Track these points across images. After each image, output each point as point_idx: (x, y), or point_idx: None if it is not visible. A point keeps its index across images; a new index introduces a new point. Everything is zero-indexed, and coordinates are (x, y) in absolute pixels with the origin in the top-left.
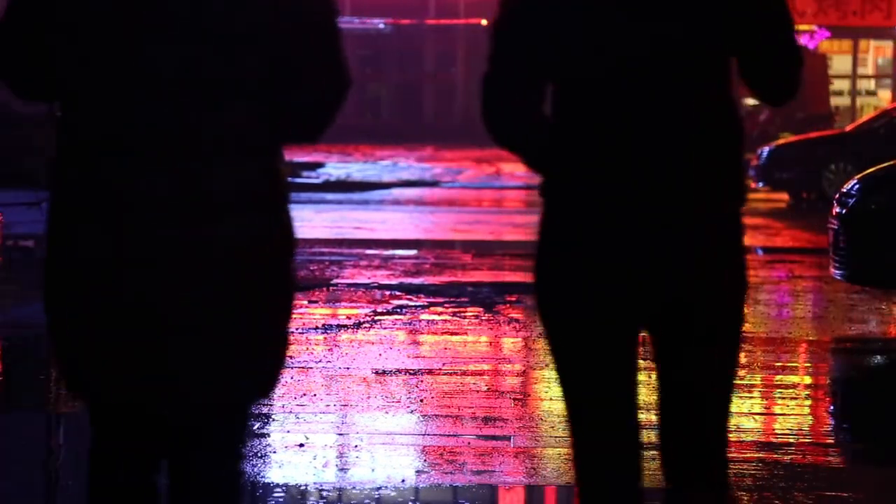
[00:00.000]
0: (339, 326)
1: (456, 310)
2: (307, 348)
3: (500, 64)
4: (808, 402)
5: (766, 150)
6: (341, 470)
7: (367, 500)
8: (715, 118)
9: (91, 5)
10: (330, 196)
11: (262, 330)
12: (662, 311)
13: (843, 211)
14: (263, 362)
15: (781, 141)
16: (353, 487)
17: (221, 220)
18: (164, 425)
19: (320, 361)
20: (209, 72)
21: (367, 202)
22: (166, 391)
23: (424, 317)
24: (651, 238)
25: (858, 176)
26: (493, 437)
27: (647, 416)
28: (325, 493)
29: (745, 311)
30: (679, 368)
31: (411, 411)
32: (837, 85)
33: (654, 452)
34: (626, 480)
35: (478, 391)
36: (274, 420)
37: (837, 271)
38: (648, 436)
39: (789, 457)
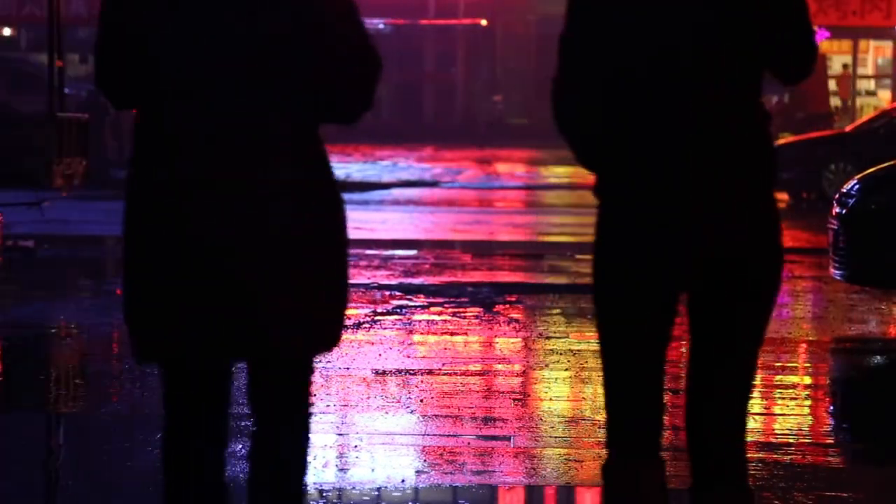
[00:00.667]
0: None
1: (456, 310)
2: None
3: (571, 68)
4: (808, 402)
5: None
6: (341, 470)
7: (367, 500)
8: (752, 109)
9: (170, 25)
10: None
11: (321, 292)
12: (709, 271)
13: (843, 211)
14: (326, 316)
15: (781, 141)
16: (353, 487)
17: (279, 201)
18: (227, 392)
19: (320, 361)
20: (265, 72)
21: (366, 202)
22: (235, 346)
23: (424, 317)
24: (704, 219)
25: (858, 176)
26: (493, 437)
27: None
28: (325, 493)
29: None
30: (719, 335)
31: (411, 411)
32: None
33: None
34: (652, 393)
35: (478, 391)
36: None
37: (837, 271)
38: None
39: (789, 457)
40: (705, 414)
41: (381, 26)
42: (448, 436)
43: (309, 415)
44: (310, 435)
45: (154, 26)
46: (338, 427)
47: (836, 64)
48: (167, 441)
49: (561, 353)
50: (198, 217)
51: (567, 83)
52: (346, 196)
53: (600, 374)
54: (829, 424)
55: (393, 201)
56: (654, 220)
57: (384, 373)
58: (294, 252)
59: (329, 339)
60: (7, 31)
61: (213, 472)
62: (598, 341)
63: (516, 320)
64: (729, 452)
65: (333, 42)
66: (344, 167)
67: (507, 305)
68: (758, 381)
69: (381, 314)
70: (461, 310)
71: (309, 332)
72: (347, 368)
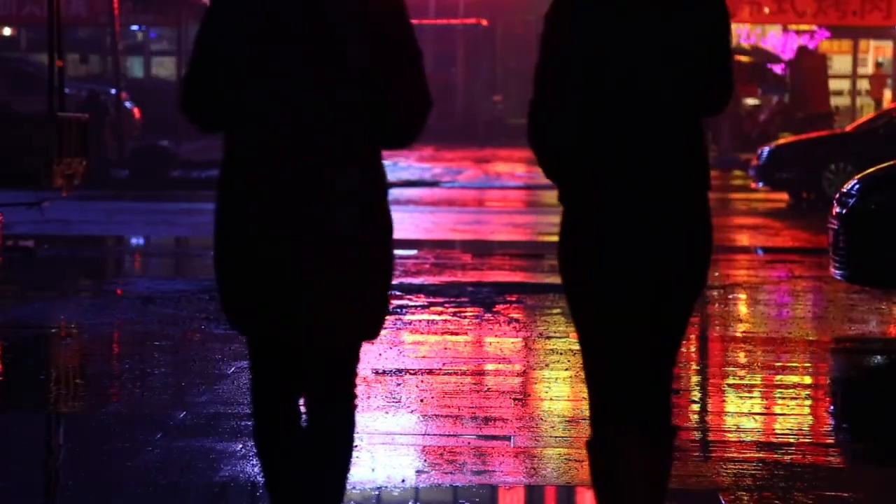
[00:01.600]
0: None
1: (456, 310)
2: None
3: (546, 93)
4: (808, 402)
5: (766, 150)
6: None
7: (367, 500)
8: (690, 129)
9: (256, 56)
10: None
11: (368, 288)
12: (654, 272)
13: (843, 211)
14: (371, 310)
15: (781, 141)
16: (353, 487)
17: (335, 206)
18: (300, 357)
19: None
20: (329, 98)
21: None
22: (301, 329)
23: (424, 317)
24: (649, 223)
25: (858, 176)
26: (493, 437)
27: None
28: None
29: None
30: (655, 316)
31: (411, 411)
32: (837, 85)
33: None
34: (633, 368)
35: (478, 391)
36: None
37: (837, 271)
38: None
39: (789, 457)
40: (643, 376)
41: None
42: (448, 436)
43: (354, 396)
44: (355, 415)
45: (242, 56)
46: None
47: (836, 64)
48: (252, 392)
49: (561, 353)
50: (275, 217)
51: (543, 106)
52: None
53: None
54: (829, 424)
55: (393, 201)
56: (609, 220)
57: (384, 373)
58: (351, 252)
59: (374, 330)
60: (7, 31)
61: (289, 414)
62: (574, 327)
63: (516, 320)
64: (663, 402)
65: (397, 84)
66: None
67: (507, 305)
68: (758, 381)
69: None
70: (461, 310)
71: (361, 323)
72: None
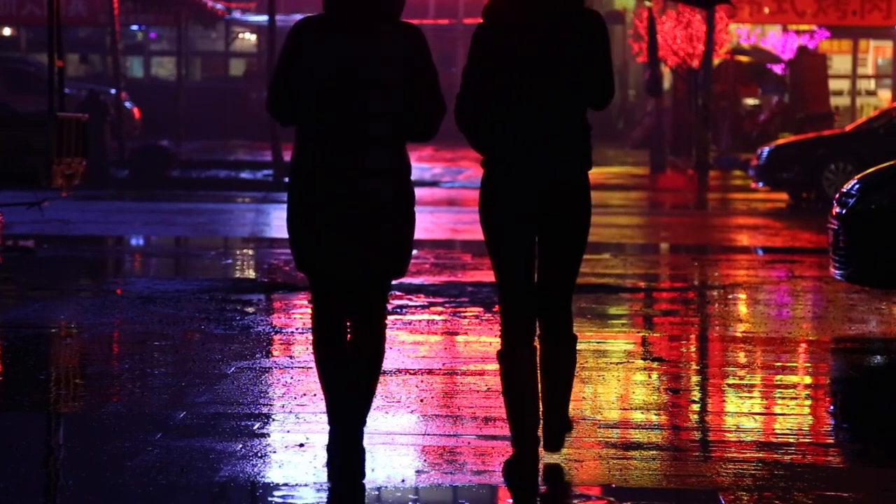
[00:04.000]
0: None
1: (455, 309)
2: (307, 348)
3: (471, 88)
4: (808, 402)
5: (766, 150)
6: None
7: (367, 500)
8: (577, 116)
9: (317, 74)
10: None
11: (398, 239)
12: (547, 222)
13: (843, 211)
14: (402, 250)
15: (781, 141)
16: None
17: (373, 179)
18: (353, 287)
19: None
20: (373, 106)
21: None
22: (354, 264)
23: (424, 317)
24: (542, 184)
25: (858, 176)
26: (493, 437)
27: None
28: (325, 494)
29: (591, 227)
30: (552, 255)
31: (411, 411)
32: (837, 85)
33: (655, 453)
34: (528, 300)
35: (478, 391)
36: (274, 420)
37: (837, 271)
38: (649, 436)
39: (789, 457)
40: (547, 295)
41: None
42: (448, 436)
43: (385, 317)
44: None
45: (311, 70)
46: None
47: (836, 64)
48: (313, 317)
49: None
50: (334, 186)
51: (466, 98)
52: None
53: (600, 373)
54: (829, 424)
55: None
56: (514, 180)
57: (384, 372)
58: (392, 210)
59: (402, 269)
60: (7, 31)
61: (338, 331)
62: (490, 258)
63: None
64: (564, 314)
65: (422, 94)
66: None
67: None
68: (758, 381)
69: None
70: (461, 309)
71: (396, 260)
72: None
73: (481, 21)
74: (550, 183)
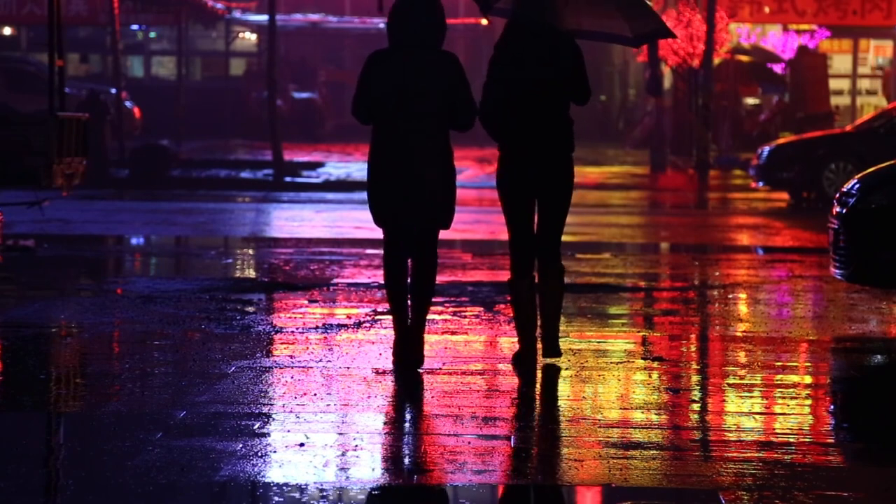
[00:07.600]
0: (340, 326)
1: (456, 310)
2: (307, 348)
3: (490, 97)
4: (808, 402)
5: (766, 150)
6: (341, 469)
7: (367, 500)
8: (563, 115)
9: (386, 84)
10: (330, 196)
11: (446, 196)
12: (542, 189)
13: (843, 211)
14: (447, 209)
15: (781, 141)
16: (353, 487)
17: (428, 162)
18: (411, 235)
19: (320, 361)
20: (424, 108)
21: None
22: (413, 218)
23: None
24: (538, 163)
25: (858, 176)
26: (493, 437)
27: (647, 417)
28: (325, 492)
29: (573, 197)
30: (547, 212)
31: (411, 411)
32: (837, 84)
33: (655, 452)
34: (529, 244)
35: (478, 391)
36: (274, 420)
37: (837, 271)
38: (649, 436)
39: (789, 457)
40: (543, 240)
41: (381, 26)
42: (448, 436)
43: (437, 255)
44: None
45: (378, 83)
46: (338, 426)
47: (836, 63)
48: (385, 255)
49: (561, 353)
50: (401, 163)
51: (487, 103)
52: (347, 195)
53: (600, 373)
54: (829, 424)
55: None
56: (519, 160)
57: (384, 372)
58: (439, 180)
59: (448, 222)
60: (7, 31)
61: (403, 263)
62: (504, 218)
63: None
64: (555, 253)
65: (460, 97)
66: (345, 166)
67: (508, 305)
68: (758, 381)
69: (382, 314)
70: (461, 309)
71: (442, 216)
72: (348, 368)
73: (494, 53)
74: (545, 161)
